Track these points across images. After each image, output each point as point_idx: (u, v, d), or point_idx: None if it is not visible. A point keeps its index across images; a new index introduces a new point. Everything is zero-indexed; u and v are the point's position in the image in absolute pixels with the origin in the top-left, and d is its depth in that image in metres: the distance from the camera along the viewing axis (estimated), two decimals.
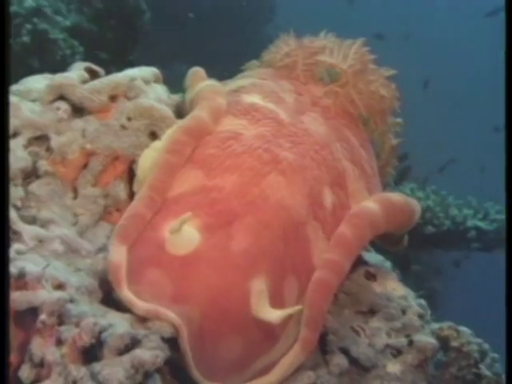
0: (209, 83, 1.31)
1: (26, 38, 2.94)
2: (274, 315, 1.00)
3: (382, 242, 1.39)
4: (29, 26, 2.95)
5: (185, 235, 1.03)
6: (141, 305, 0.97)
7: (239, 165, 1.13)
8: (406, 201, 1.25)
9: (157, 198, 1.08)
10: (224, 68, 1.46)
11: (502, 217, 3.71)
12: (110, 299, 1.03)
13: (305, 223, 1.13)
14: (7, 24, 0.99)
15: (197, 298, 1.00)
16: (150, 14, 3.77)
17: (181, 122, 1.19)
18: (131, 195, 1.20)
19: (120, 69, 1.33)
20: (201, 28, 5.82)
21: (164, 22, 5.17)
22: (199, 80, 1.34)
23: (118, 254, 1.01)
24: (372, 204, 1.18)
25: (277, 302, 1.05)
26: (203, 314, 0.99)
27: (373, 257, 1.44)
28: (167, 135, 1.20)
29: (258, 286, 1.03)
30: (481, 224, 3.83)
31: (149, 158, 1.17)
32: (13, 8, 2.99)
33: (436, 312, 1.45)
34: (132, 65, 1.40)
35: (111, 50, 3.36)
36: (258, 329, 1.03)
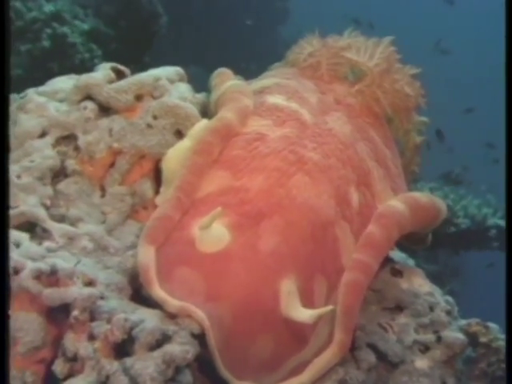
0: (235, 83, 1.31)
1: (45, 43, 2.97)
2: (306, 315, 1.00)
3: (406, 241, 1.38)
4: (48, 31, 2.98)
5: (214, 233, 1.04)
6: (174, 303, 0.98)
7: (265, 166, 1.13)
8: (432, 200, 1.25)
9: (185, 199, 1.08)
10: (239, 70, 1.46)
11: None
12: (139, 296, 1.04)
13: (333, 223, 1.13)
14: (7, 29, 1.00)
15: (229, 297, 1.00)
16: (167, 17, 3.80)
17: (207, 123, 1.20)
18: (158, 194, 1.20)
19: (137, 72, 1.34)
20: (215, 31, 5.84)
21: (180, 25, 5.20)
22: (225, 80, 1.34)
23: (147, 255, 1.02)
24: (399, 204, 1.18)
25: (306, 301, 1.05)
26: (235, 313, 1.00)
27: (396, 255, 1.44)
28: (191, 135, 1.21)
29: (288, 286, 1.03)
30: (501, 222, 3.79)
31: (173, 159, 1.18)
32: (32, 13, 3.03)
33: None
34: (149, 67, 1.40)
35: (128, 54, 3.39)
36: (289, 329, 1.03)
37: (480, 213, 3.75)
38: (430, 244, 1.46)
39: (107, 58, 3.19)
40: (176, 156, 1.17)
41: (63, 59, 3.01)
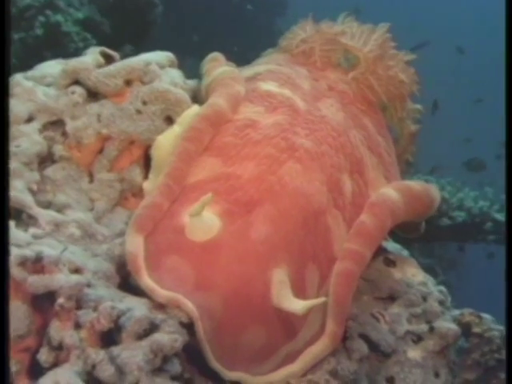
0: (227, 69, 1.29)
1: (38, 31, 2.94)
2: (297, 306, 0.98)
3: (399, 230, 1.37)
4: (42, 19, 2.95)
5: (205, 221, 1.02)
6: (162, 293, 0.96)
7: (256, 153, 1.12)
8: (426, 188, 1.23)
9: (174, 186, 1.06)
10: (233, 55, 1.44)
11: None
12: (127, 284, 1.03)
13: (325, 211, 1.11)
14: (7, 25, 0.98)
15: (219, 286, 0.99)
16: (162, 7, 3.77)
17: (198, 110, 1.17)
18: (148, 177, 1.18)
19: None
20: (213, 22, 5.81)
21: (176, 15, 5.17)
22: (217, 65, 1.32)
23: (135, 244, 1.00)
24: (392, 192, 1.16)
25: (298, 290, 1.04)
26: (225, 303, 0.98)
27: (390, 246, 1.42)
28: (181, 121, 1.19)
29: (280, 276, 1.02)
30: (497, 216, 3.78)
31: (163, 146, 1.15)
32: (26, 0, 2.99)
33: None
34: None
35: (123, 43, 3.36)
36: (280, 318, 1.02)
37: (476, 205, 3.73)
38: (426, 236, 1.45)
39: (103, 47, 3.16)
40: (166, 143, 1.15)
41: (57, 48, 2.97)
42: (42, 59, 3.19)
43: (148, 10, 3.70)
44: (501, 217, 3.78)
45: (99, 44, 3.25)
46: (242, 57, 1.65)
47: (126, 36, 3.49)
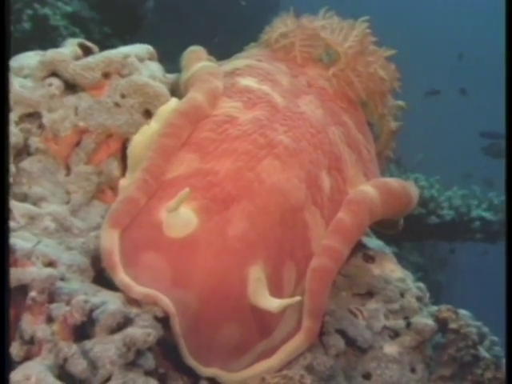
0: (205, 64, 1.28)
1: (26, 25, 2.91)
2: (273, 304, 0.99)
3: (377, 226, 1.37)
4: (29, 12, 2.92)
5: (182, 217, 1.01)
6: (138, 289, 0.96)
7: (234, 149, 1.11)
8: (404, 186, 1.23)
9: (151, 181, 1.05)
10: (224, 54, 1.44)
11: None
12: (102, 278, 1.02)
13: (303, 207, 1.11)
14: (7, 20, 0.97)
15: (195, 283, 0.99)
16: (153, 2, 3.74)
17: (176, 105, 1.17)
18: (125, 174, 1.18)
19: None
20: (204, 18, 5.79)
21: (167, 11, 5.14)
22: (196, 60, 1.31)
23: (110, 239, 0.99)
24: (370, 189, 1.17)
25: (275, 287, 1.04)
26: (201, 299, 0.98)
27: (373, 242, 1.42)
28: (158, 116, 1.18)
29: (256, 273, 1.02)
30: (485, 214, 3.79)
31: (139, 144, 1.15)
32: None
33: (441, 303, 1.43)
34: None
35: (112, 38, 3.34)
36: (256, 316, 1.02)
37: (464, 204, 3.74)
38: (415, 235, 1.45)
39: (90, 42, 3.14)
40: (142, 141, 1.14)
41: (44, 42, 2.95)
42: None
43: (138, 4, 3.67)
44: (489, 215, 3.79)
45: (88, 39, 3.23)
46: (227, 49, 1.65)
47: (115, 30, 3.46)
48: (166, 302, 0.94)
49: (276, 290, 1.03)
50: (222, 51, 1.49)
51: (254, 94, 1.22)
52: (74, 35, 3.17)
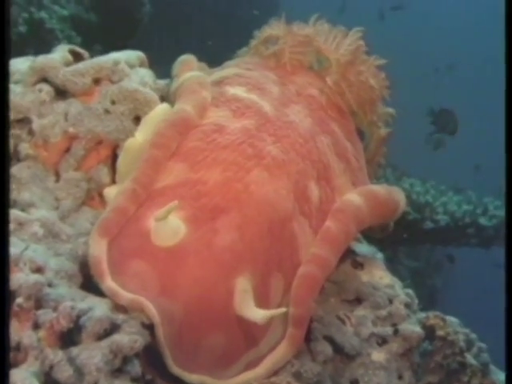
0: (194, 74, 1.28)
1: (22, 28, 2.92)
2: (258, 315, 0.99)
3: (368, 230, 1.37)
4: (25, 15, 2.93)
5: (170, 226, 1.02)
6: (125, 295, 0.96)
7: (223, 159, 1.12)
8: (390, 192, 1.24)
9: (141, 191, 1.06)
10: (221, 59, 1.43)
11: (501, 213, 3.68)
12: (90, 284, 1.02)
13: (291, 218, 1.11)
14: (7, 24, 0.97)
15: (182, 292, 0.99)
16: (150, 6, 3.75)
17: (165, 116, 1.17)
18: (115, 180, 1.18)
19: None
20: (202, 23, 5.80)
21: (164, 15, 5.15)
22: (186, 69, 1.31)
23: (99, 248, 1.00)
24: (356, 197, 1.17)
25: (262, 298, 1.04)
26: (186, 309, 0.99)
27: (364, 248, 1.43)
28: (145, 124, 1.18)
29: (243, 284, 1.02)
30: (480, 219, 3.80)
31: (128, 154, 1.15)
32: None
33: (436, 308, 1.43)
34: None
35: (109, 42, 3.34)
36: (242, 326, 1.02)
37: (460, 209, 3.75)
38: (411, 240, 1.45)
39: (87, 46, 3.15)
40: (129, 153, 1.15)
41: (40, 46, 2.95)
42: (24, 56, 3.15)
43: (135, 8, 3.68)
44: (484, 221, 3.80)
45: (84, 42, 3.24)
46: (221, 52, 1.65)
47: (112, 35, 3.47)
48: (152, 310, 0.95)
49: (263, 301, 1.04)
50: (215, 54, 1.49)
51: (243, 102, 1.23)
52: (70, 38, 3.18)
